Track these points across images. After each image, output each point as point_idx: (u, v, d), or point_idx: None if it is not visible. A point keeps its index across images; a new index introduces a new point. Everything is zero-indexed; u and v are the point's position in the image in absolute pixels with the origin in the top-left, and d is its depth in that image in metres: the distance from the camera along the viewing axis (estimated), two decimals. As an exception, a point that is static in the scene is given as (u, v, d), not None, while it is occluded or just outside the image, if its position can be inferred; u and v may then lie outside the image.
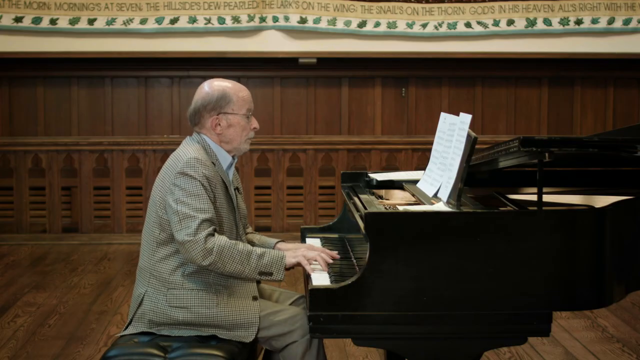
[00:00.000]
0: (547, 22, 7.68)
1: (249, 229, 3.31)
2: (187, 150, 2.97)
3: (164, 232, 2.95)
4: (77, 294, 5.50)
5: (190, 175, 2.89)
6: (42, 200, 7.25)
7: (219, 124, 3.00)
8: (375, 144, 7.37)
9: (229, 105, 3.00)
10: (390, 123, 7.86)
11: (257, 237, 3.28)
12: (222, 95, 2.99)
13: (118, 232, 7.18)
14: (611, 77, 7.91)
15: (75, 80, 7.71)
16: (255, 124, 3.07)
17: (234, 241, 2.91)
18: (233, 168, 3.10)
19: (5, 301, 5.32)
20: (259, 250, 2.92)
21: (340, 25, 7.59)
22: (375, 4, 7.59)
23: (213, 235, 2.87)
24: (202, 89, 3.03)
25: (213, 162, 2.99)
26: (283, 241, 3.24)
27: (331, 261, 2.98)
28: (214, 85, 3.02)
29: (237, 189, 3.13)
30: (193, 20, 7.52)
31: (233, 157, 3.08)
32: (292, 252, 2.99)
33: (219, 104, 2.99)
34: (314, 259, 2.96)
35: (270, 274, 2.92)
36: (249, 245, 2.94)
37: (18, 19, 7.41)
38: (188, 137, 3.07)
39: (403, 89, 7.83)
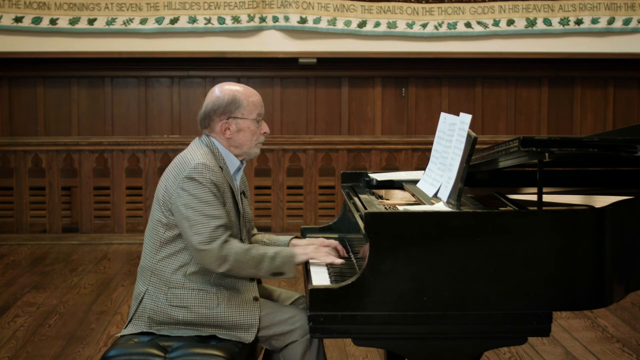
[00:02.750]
0: (547, 22, 7.68)
1: (254, 230, 3.31)
2: (196, 154, 2.96)
3: (167, 232, 2.95)
4: (77, 294, 5.50)
5: (199, 181, 2.89)
6: (42, 200, 7.25)
7: (229, 128, 3.00)
8: (375, 144, 7.37)
9: (238, 110, 2.99)
10: (390, 123, 7.87)
11: (266, 237, 3.28)
12: (232, 99, 2.99)
13: (118, 232, 7.18)
14: (611, 77, 7.91)
15: (75, 80, 7.71)
16: (265, 128, 3.06)
17: (246, 246, 2.92)
18: (241, 172, 3.09)
19: (5, 301, 5.32)
20: (271, 251, 2.94)
21: (340, 25, 7.60)
22: (375, 4, 7.60)
23: (227, 241, 2.88)
24: (213, 92, 3.03)
25: (220, 167, 2.98)
26: (297, 237, 3.25)
27: (339, 262, 2.99)
28: (225, 90, 3.02)
29: (243, 193, 3.13)
30: (193, 20, 7.52)
31: (241, 161, 3.08)
32: (302, 248, 3.02)
33: (228, 109, 2.99)
34: (324, 256, 3.00)
35: (283, 273, 2.95)
36: (261, 248, 2.95)
37: (18, 19, 7.42)
38: (197, 138, 3.06)
39: (403, 89, 7.83)
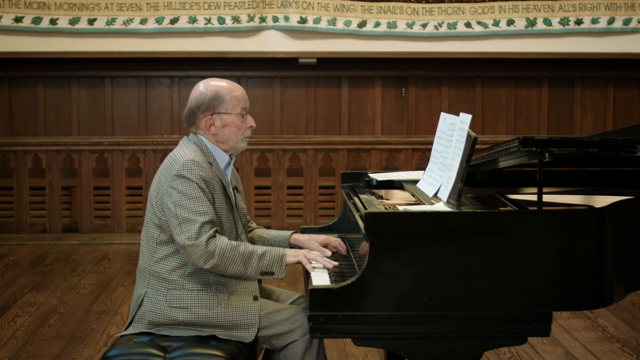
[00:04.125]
0: (547, 22, 7.68)
1: (254, 224, 3.31)
2: (184, 152, 2.96)
3: (163, 233, 2.95)
4: (77, 294, 5.50)
5: (187, 178, 2.89)
6: (42, 200, 7.25)
7: (213, 124, 3.00)
8: (375, 144, 7.37)
9: (222, 105, 2.99)
10: (390, 123, 7.87)
11: (267, 232, 3.27)
12: (215, 95, 2.98)
13: (118, 232, 7.18)
14: (611, 77, 7.91)
15: (75, 80, 7.71)
16: (251, 122, 3.06)
17: (235, 242, 2.91)
18: (231, 167, 3.09)
19: (5, 301, 5.32)
20: (260, 250, 2.92)
21: (340, 25, 7.60)
22: (375, 4, 7.60)
23: (214, 237, 2.87)
24: (197, 89, 3.03)
25: (210, 163, 2.98)
26: (297, 232, 3.24)
27: (330, 266, 2.97)
28: (208, 86, 3.02)
29: (235, 188, 3.13)
30: (193, 20, 7.52)
31: (230, 156, 3.08)
32: (294, 250, 2.99)
33: (212, 104, 2.98)
34: (315, 260, 2.96)
35: (272, 273, 2.93)
36: (250, 246, 2.94)
37: (18, 19, 7.42)
38: (185, 137, 3.07)
39: (403, 89, 7.83)
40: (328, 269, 2.97)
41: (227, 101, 2.99)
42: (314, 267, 2.95)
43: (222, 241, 2.88)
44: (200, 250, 2.84)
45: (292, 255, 2.96)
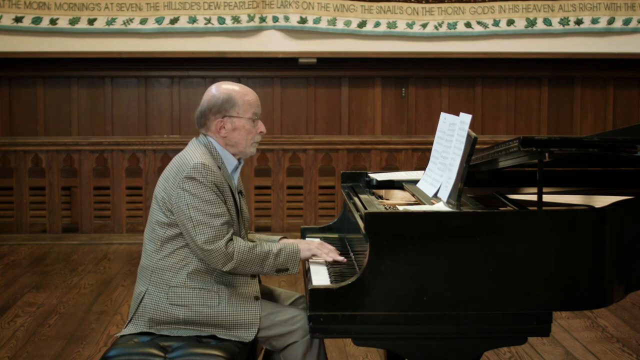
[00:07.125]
0: (547, 22, 7.68)
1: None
2: (194, 154, 2.96)
3: (168, 231, 2.95)
4: (77, 294, 5.50)
5: (199, 181, 2.89)
6: (42, 200, 7.25)
7: (224, 127, 3.00)
8: (375, 144, 7.37)
9: (234, 109, 2.99)
10: (390, 123, 7.87)
11: (257, 236, 3.28)
12: (228, 98, 2.99)
13: (118, 232, 7.18)
14: (611, 77, 7.91)
15: (75, 80, 7.71)
16: (261, 127, 3.06)
17: (250, 244, 2.95)
18: (239, 171, 3.10)
19: (5, 301, 5.32)
20: (275, 248, 2.97)
21: (340, 25, 7.60)
22: (375, 4, 7.60)
23: (232, 240, 2.89)
24: (210, 91, 3.04)
25: (219, 166, 2.98)
26: (285, 237, 3.26)
27: (340, 259, 3.04)
28: (221, 88, 3.02)
29: (240, 192, 3.13)
30: (193, 20, 7.52)
31: (239, 160, 3.08)
32: (306, 244, 3.05)
33: (223, 107, 2.99)
34: (327, 254, 3.03)
35: (287, 269, 2.98)
36: (265, 245, 2.97)
37: (18, 19, 7.42)
38: (195, 138, 3.07)
39: (403, 89, 7.83)
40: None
41: (239, 105, 3.00)
42: (330, 257, 3.02)
43: (240, 243, 2.91)
44: (220, 253, 2.87)
45: (306, 250, 3.03)
